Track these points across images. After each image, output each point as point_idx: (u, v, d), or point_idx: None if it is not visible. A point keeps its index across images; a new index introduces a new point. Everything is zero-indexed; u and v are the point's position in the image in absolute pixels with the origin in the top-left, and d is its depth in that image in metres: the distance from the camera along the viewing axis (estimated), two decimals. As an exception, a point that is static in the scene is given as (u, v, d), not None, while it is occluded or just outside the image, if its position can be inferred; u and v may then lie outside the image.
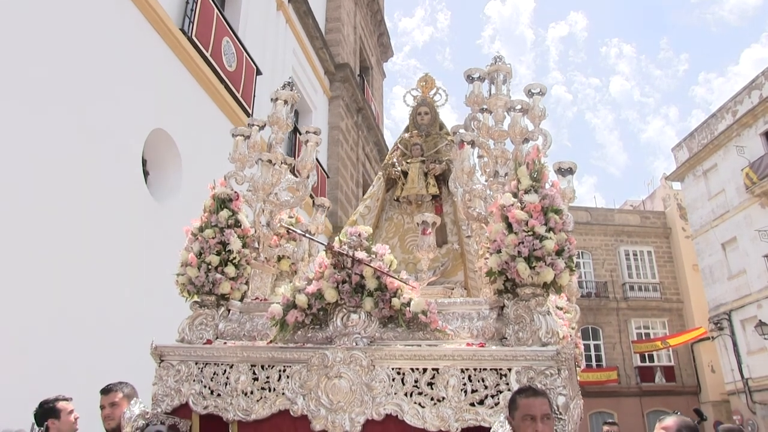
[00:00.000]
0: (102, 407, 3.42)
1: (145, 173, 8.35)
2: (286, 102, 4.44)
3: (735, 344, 21.14)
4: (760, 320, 18.70)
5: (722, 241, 21.81)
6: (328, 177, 14.67)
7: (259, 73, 11.46)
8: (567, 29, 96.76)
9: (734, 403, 21.30)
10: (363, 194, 16.09)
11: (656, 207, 29.39)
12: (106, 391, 3.46)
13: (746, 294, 20.50)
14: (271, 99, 4.49)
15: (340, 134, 15.78)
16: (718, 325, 21.78)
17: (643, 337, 25.38)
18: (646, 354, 24.89)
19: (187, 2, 9.39)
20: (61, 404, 3.90)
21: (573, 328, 4.75)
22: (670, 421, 3.20)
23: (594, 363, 25.02)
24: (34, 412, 3.85)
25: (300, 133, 11.80)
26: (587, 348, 24.93)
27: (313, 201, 5.14)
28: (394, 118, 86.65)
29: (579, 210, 27.01)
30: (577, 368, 4.44)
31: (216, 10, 10.01)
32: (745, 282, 20.65)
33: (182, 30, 9.12)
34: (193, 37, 9.29)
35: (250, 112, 10.72)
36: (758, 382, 19.97)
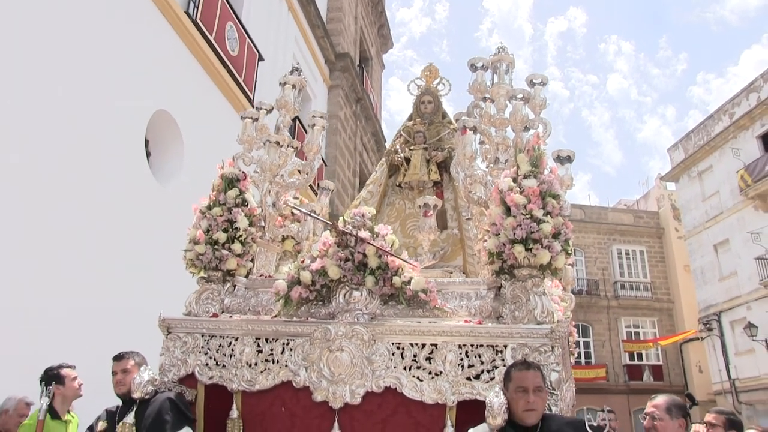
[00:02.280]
0: (114, 373, 3.54)
1: (147, 154, 8.44)
2: (294, 86, 4.56)
3: (723, 345, 21.36)
4: (749, 322, 18.92)
5: (715, 243, 21.96)
6: (326, 165, 14.76)
7: (261, 58, 11.54)
8: (566, 24, 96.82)
9: (720, 403, 21.47)
10: (360, 184, 16.21)
11: (650, 207, 29.56)
12: (118, 358, 3.58)
13: (736, 296, 20.70)
14: (280, 83, 4.61)
15: (338, 123, 15.86)
16: (708, 325, 21.98)
17: (633, 336, 25.59)
18: (635, 353, 25.13)
19: (193, -14, 9.47)
20: (65, 371, 4.07)
21: (568, 317, 4.88)
22: (660, 399, 3.35)
23: (583, 360, 25.21)
24: (40, 378, 3.99)
25: (299, 120, 11.93)
26: (576, 345, 25.09)
27: (312, 188, 5.26)
28: (390, 109, 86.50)
29: (573, 208, 27.13)
30: (571, 356, 4.57)
31: (221, -5, 10.09)
32: (735, 284, 20.84)
33: (187, 13, 9.21)
34: (198, 21, 9.37)
35: (252, 96, 10.80)
36: (745, 383, 20.21)
